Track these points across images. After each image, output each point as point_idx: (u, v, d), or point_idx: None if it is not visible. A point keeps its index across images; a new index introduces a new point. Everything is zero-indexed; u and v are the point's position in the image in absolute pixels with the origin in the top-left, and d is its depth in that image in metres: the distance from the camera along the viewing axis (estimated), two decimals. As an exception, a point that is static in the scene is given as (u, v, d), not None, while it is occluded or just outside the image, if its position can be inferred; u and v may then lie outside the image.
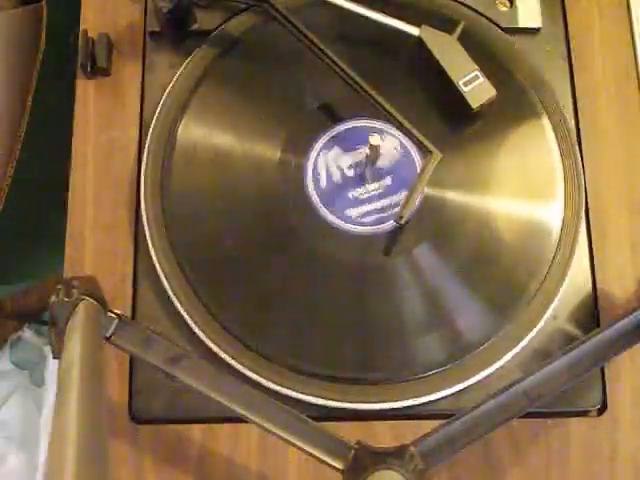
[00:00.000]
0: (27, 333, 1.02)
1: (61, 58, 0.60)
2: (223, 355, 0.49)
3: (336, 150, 0.53)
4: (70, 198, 0.54)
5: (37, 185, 0.69)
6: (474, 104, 0.52)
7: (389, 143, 0.53)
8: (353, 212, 0.52)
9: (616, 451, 0.49)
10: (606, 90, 0.56)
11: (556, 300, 0.50)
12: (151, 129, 0.54)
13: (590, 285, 0.52)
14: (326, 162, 0.53)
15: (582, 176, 0.53)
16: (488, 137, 0.54)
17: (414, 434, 0.40)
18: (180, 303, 0.50)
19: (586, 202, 0.53)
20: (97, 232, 0.53)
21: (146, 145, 0.53)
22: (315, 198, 0.52)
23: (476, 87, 0.52)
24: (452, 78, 0.52)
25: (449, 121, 0.54)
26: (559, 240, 0.51)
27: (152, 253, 0.51)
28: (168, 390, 0.49)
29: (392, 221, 0.51)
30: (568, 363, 0.43)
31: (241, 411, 0.42)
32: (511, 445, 0.49)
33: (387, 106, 0.51)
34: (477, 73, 0.52)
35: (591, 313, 0.52)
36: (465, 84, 0.52)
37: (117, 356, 0.49)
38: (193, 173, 0.53)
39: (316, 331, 0.50)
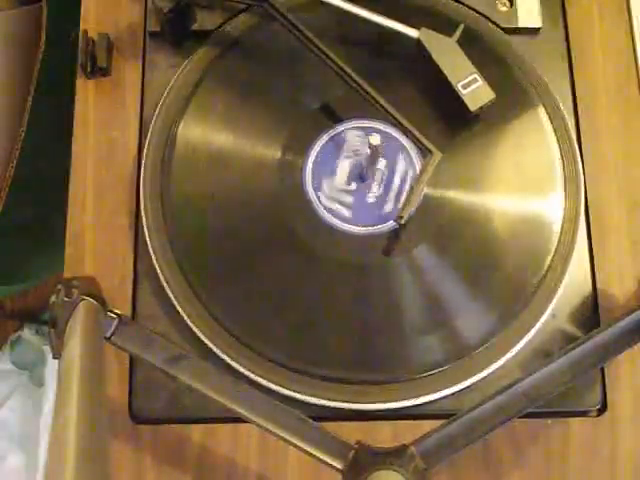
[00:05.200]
0: (27, 333, 1.02)
1: (61, 58, 0.60)
2: (223, 355, 0.49)
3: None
4: (70, 198, 0.54)
5: (37, 185, 0.69)
6: (472, 107, 0.52)
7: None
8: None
9: (616, 451, 0.49)
10: (606, 90, 0.56)
11: (556, 300, 0.50)
12: (151, 129, 0.54)
13: (590, 285, 0.52)
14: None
15: (582, 175, 0.53)
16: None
17: (414, 434, 0.40)
18: (180, 303, 0.50)
19: (586, 201, 0.53)
20: (97, 232, 0.53)
21: (146, 145, 0.53)
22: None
23: (475, 90, 0.52)
24: (451, 81, 0.52)
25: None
26: (559, 239, 0.51)
27: (152, 253, 0.51)
28: (168, 390, 0.49)
29: (392, 221, 0.51)
30: (568, 363, 0.43)
31: (241, 411, 0.42)
32: (511, 445, 0.49)
33: (387, 106, 0.51)
34: (476, 76, 0.52)
35: (591, 313, 0.52)
36: (464, 87, 0.52)
37: (117, 356, 0.49)
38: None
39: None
